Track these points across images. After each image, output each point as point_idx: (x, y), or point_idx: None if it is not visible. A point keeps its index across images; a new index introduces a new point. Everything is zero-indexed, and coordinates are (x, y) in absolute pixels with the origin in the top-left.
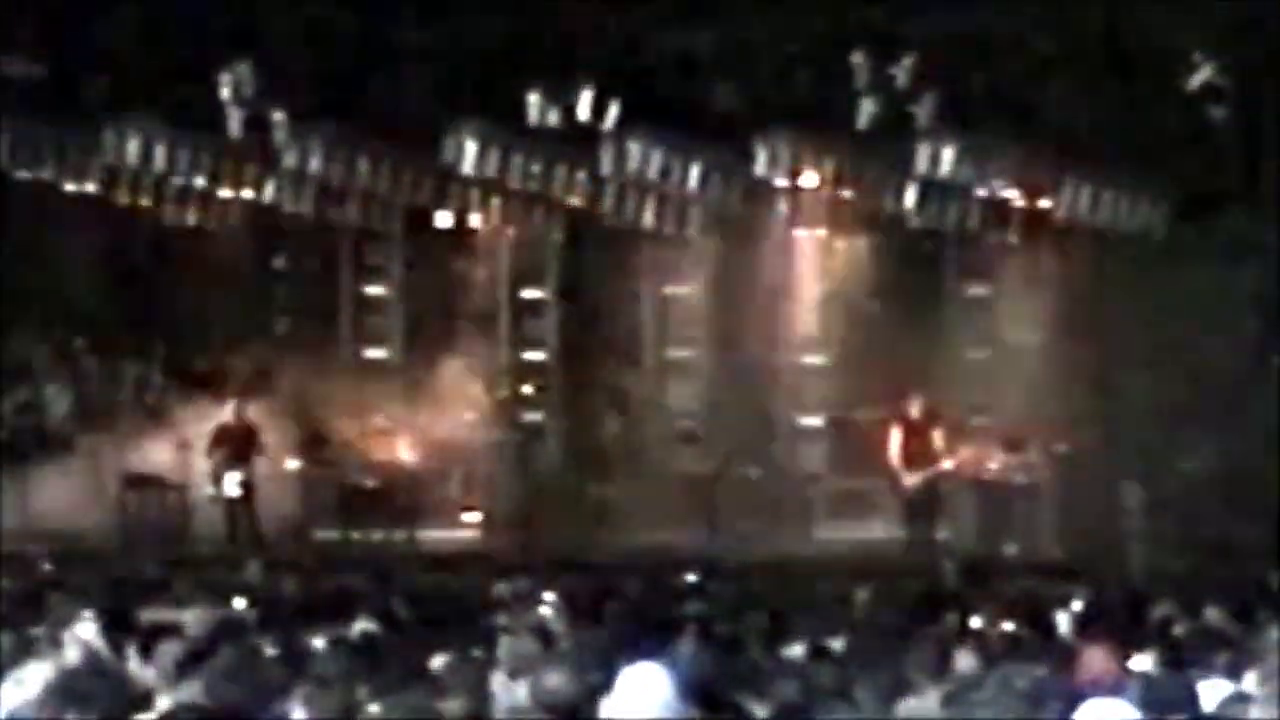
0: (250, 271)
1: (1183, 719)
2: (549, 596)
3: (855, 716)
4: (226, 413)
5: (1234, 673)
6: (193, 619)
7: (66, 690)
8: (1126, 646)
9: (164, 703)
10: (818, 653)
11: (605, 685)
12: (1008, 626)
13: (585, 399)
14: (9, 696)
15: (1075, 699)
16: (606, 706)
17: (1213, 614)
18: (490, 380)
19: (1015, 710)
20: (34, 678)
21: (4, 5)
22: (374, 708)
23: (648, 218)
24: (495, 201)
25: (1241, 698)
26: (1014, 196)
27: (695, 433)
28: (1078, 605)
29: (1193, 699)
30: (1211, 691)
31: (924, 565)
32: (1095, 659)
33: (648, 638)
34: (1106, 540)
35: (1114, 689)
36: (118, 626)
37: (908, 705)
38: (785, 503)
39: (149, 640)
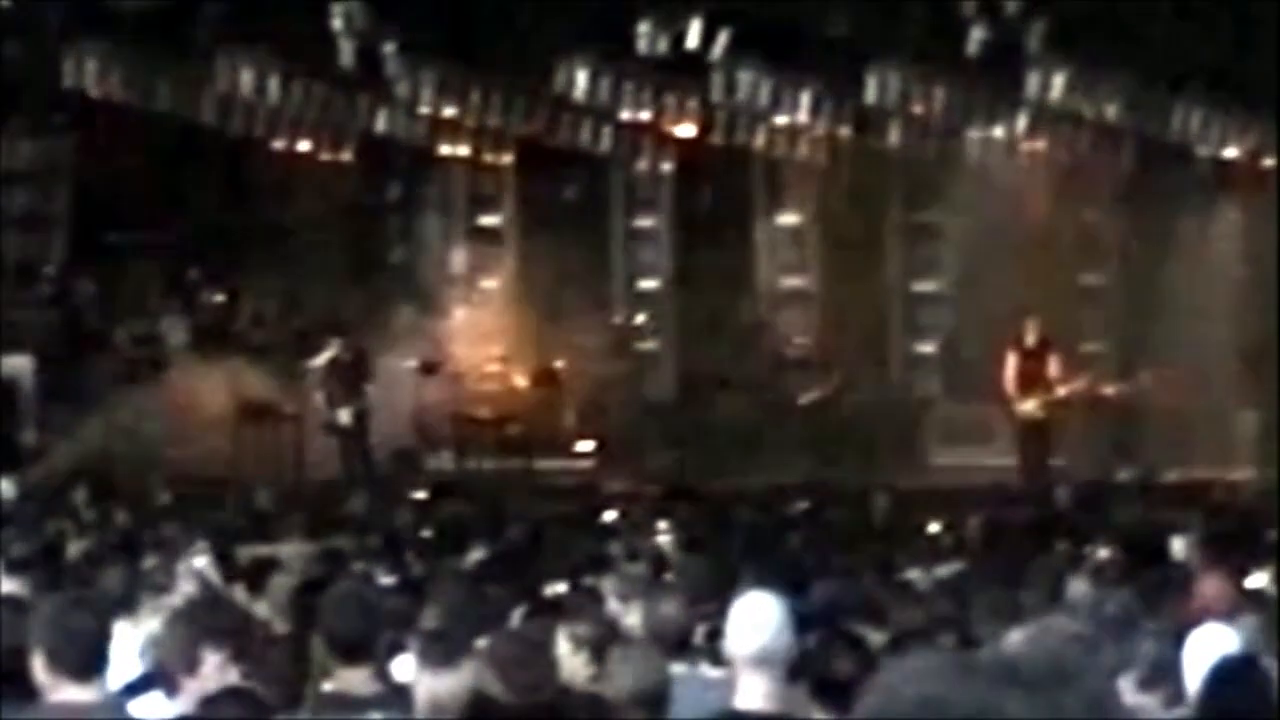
0: (364, 203)
1: None
2: (662, 525)
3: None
4: (339, 344)
5: None
6: (302, 552)
7: (188, 621)
8: (1242, 572)
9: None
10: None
11: (718, 614)
12: (1122, 553)
13: (698, 327)
14: (126, 633)
15: (1187, 626)
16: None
17: None
18: (603, 309)
19: (1107, 638)
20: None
21: None
22: (486, 638)
23: (758, 145)
24: (606, 130)
25: None
26: (1125, 123)
27: (809, 359)
28: (1193, 531)
29: None
30: None
31: (1038, 492)
32: (1210, 586)
33: (761, 567)
34: (1222, 466)
35: (1229, 615)
36: (231, 558)
37: (1011, 635)
38: (899, 429)
39: (261, 572)
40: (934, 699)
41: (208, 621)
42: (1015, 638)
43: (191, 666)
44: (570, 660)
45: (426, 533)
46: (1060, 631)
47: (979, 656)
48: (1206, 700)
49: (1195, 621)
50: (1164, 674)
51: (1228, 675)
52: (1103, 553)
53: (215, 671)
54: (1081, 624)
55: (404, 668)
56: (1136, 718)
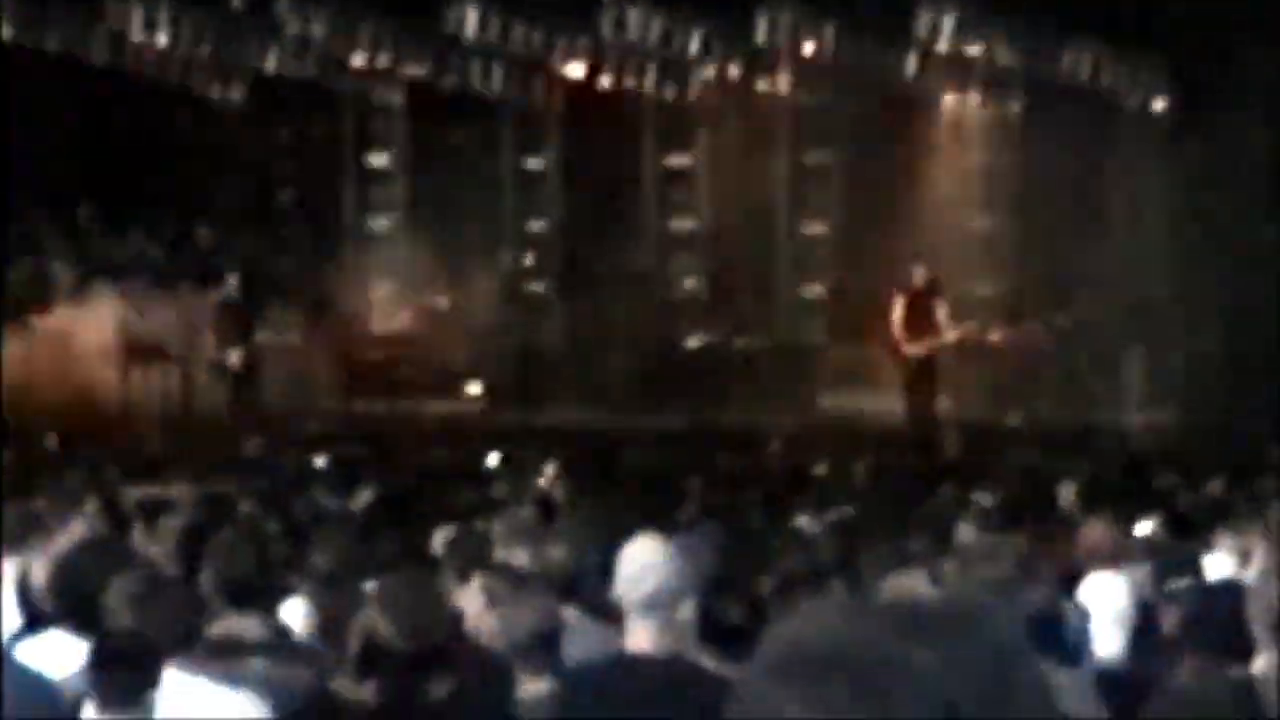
0: (254, 143)
1: (1182, 584)
2: (550, 469)
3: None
4: (230, 286)
5: (1237, 545)
6: (191, 494)
7: (74, 563)
8: (1129, 517)
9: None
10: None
11: (606, 558)
12: (1010, 499)
13: (587, 270)
14: (11, 573)
15: (1073, 572)
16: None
17: (1216, 485)
18: (492, 251)
19: (1003, 584)
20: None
21: None
22: (374, 581)
23: (647, 87)
24: (496, 71)
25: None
26: (1015, 64)
27: (697, 302)
28: (1081, 477)
29: (1196, 569)
30: (1215, 562)
31: (925, 437)
32: (1095, 531)
33: (649, 511)
34: (1108, 411)
35: (1114, 560)
36: (120, 501)
37: (899, 580)
38: (786, 373)
39: (151, 515)
40: (839, 646)
41: (101, 564)
42: (908, 583)
43: (88, 610)
44: (477, 610)
45: (314, 476)
46: (954, 578)
47: (882, 603)
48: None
49: (1080, 568)
50: (1055, 622)
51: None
52: (989, 498)
53: (110, 616)
54: (974, 571)
55: (292, 612)
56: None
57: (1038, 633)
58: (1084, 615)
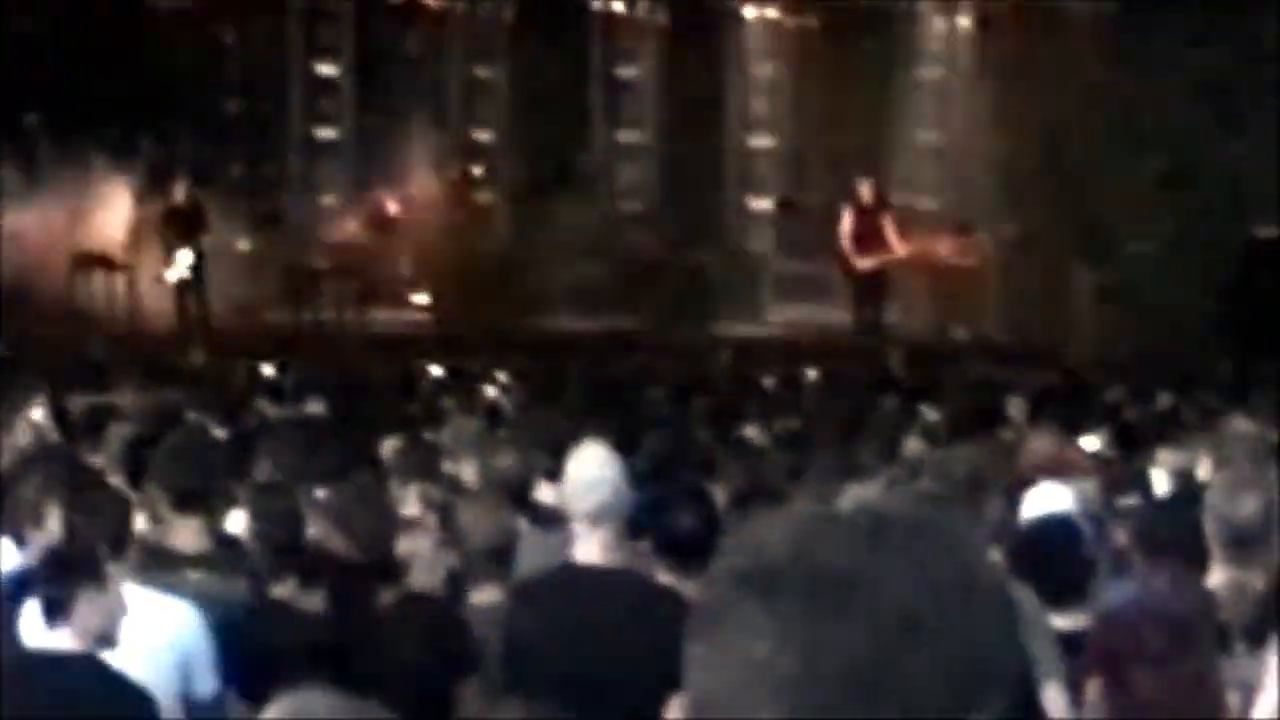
0: (201, 51)
1: (1134, 501)
2: (501, 378)
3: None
4: (176, 193)
5: (1187, 457)
6: (137, 402)
7: (31, 474)
8: (1075, 430)
9: (114, 483)
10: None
11: (554, 467)
12: (956, 411)
13: (534, 180)
14: None
15: (1021, 484)
16: (553, 489)
17: (1164, 398)
18: (440, 160)
19: (956, 495)
20: None
21: None
22: (322, 491)
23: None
24: None
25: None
26: None
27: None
28: (1027, 390)
29: (1145, 484)
30: (1161, 474)
31: (873, 349)
32: (1038, 443)
33: (597, 420)
34: (1056, 324)
35: (1060, 473)
36: (66, 409)
37: (853, 492)
38: (734, 285)
39: (97, 423)
40: (805, 553)
41: (50, 473)
42: (858, 493)
43: (37, 520)
44: (418, 520)
45: (261, 385)
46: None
47: (842, 513)
48: (1017, 556)
49: (1026, 481)
50: (1009, 533)
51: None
52: (936, 412)
53: (59, 524)
54: (929, 483)
55: (237, 521)
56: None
57: (997, 541)
58: (1053, 528)
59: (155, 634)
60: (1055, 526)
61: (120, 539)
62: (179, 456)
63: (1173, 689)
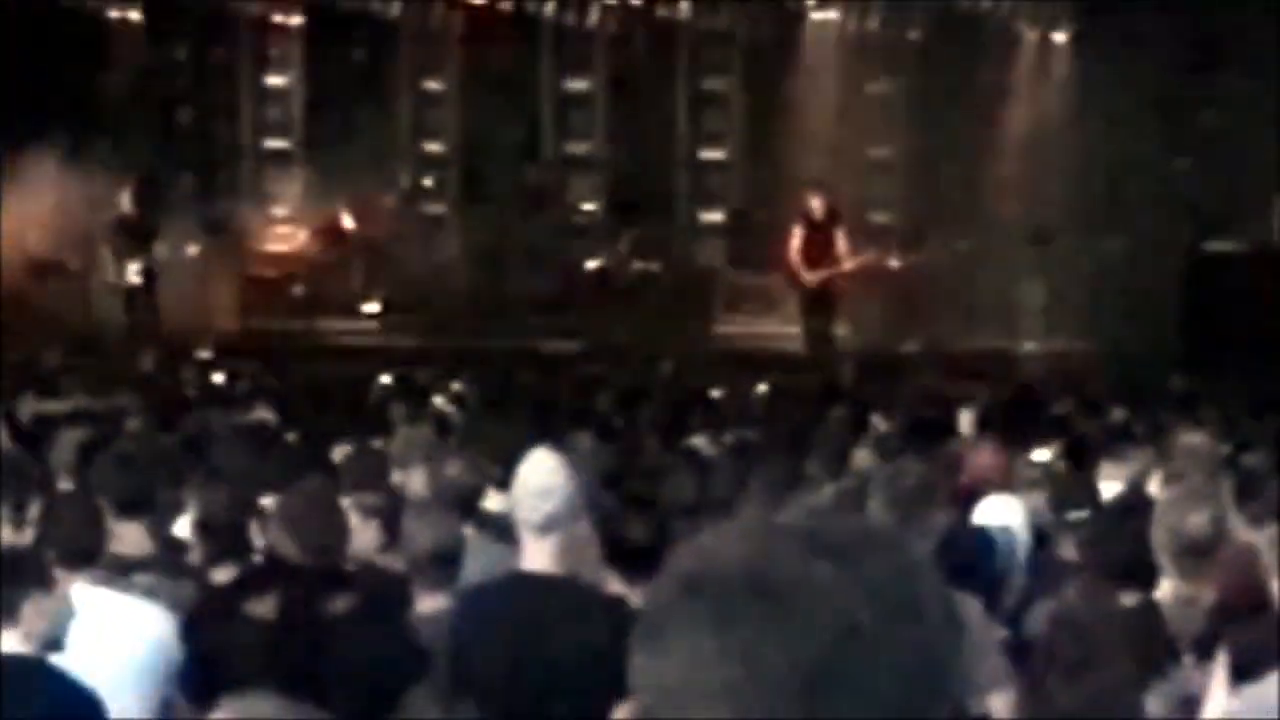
0: (151, 62)
1: (1083, 514)
2: (455, 387)
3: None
4: (126, 202)
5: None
6: (85, 409)
7: None
8: (1023, 443)
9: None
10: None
11: (503, 477)
12: (905, 423)
13: (485, 191)
14: None
15: (969, 497)
16: (501, 497)
17: (1115, 413)
18: (390, 172)
19: (904, 507)
20: None
21: None
22: (271, 498)
23: (548, 11)
24: None
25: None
26: None
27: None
28: (977, 403)
29: (1094, 497)
30: (1111, 487)
31: (822, 361)
32: (982, 455)
33: (546, 429)
34: (1008, 338)
35: (1002, 485)
36: (15, 415)
37: (800, 503)
38: (684, 297)
39: (47, 429)
40: (754, 565)
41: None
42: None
43: None
44: (359, 530)
45: (211, 392)
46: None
47: (790, 523)
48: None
49: (973, 493)
50: (958, 546)
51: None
52: (886, 424)
53: (10, 530)
54: (877, 495)
55: (186, 526)
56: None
57: (941, 555)
58: (986, 540)
59: (127, 638)
60: (969, 539)
61: (81, 546)
62: (121, 463)
63: (1088, 700)
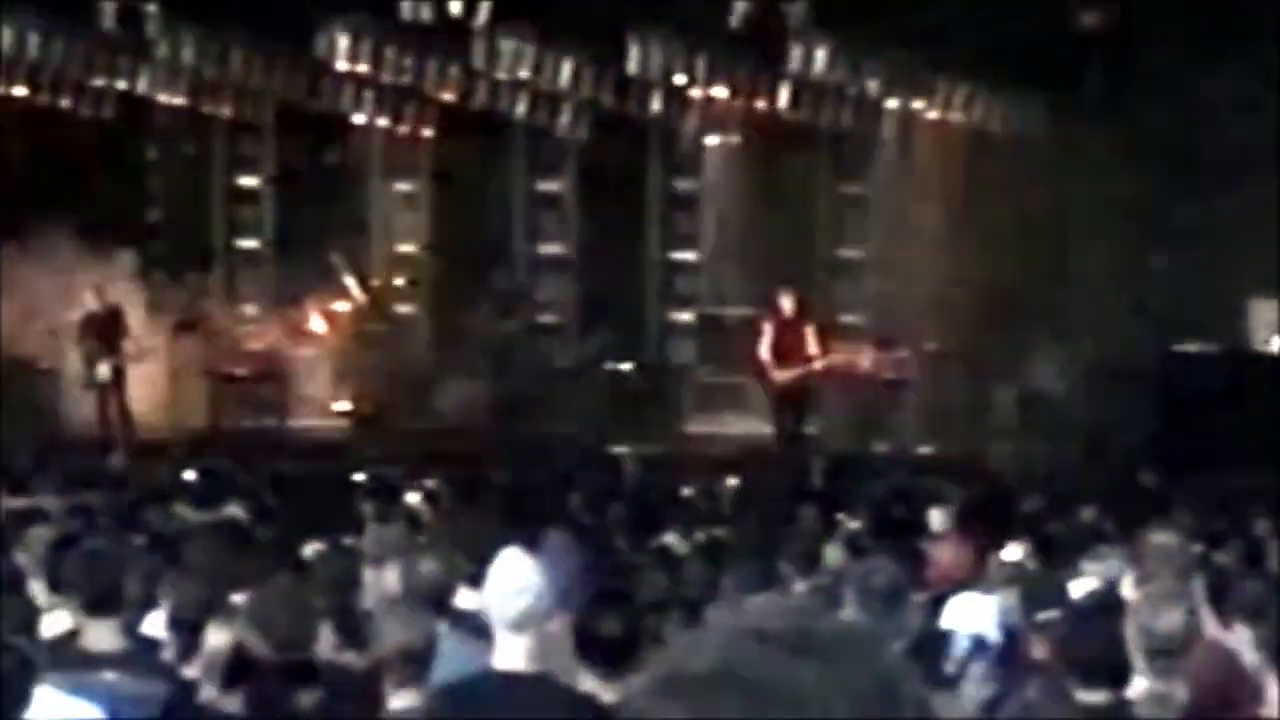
0: (124, 162)
1: (1052, 613)
2: (425, 484)
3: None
4: (99, 300)
5: (1108, 569)
6: (59, 505)
7: None
8: (994, 541)
9: (36, 588)
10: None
11: (475, 575)
12: (876, 521)
13: (457, 292)
14: None
15: (940, 595)
16: (474, 595)
17: (1086, 512)
18: (362, 272)
19: (877, 606)
20: None
21: None
22: (241, 595)
23: (519, 113)
24: (368, 95)
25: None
26: (887, 97)
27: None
28: (948, 502)
29: (1064, 597)
30: (1082, 587)
31: (793, 460)
32: (953, 554)
33: (518, 528)
34: (977, 437)
35: (973, 583)
36: None
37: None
38: (654, 396)
39: (18, 526)
40: (729, 663)
41: None
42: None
43: None
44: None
45: (182, 490)
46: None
47: (767, 624)
48: None
49: (944, 592)
50: (932, 644)
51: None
52: (856, 522)
53: None
54: (849, 594)
55: (155, 624)
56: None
57: (915, 655)
58: (961, 640)
59: None
60: (940, 641)
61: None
62: (92, 560)
63: None
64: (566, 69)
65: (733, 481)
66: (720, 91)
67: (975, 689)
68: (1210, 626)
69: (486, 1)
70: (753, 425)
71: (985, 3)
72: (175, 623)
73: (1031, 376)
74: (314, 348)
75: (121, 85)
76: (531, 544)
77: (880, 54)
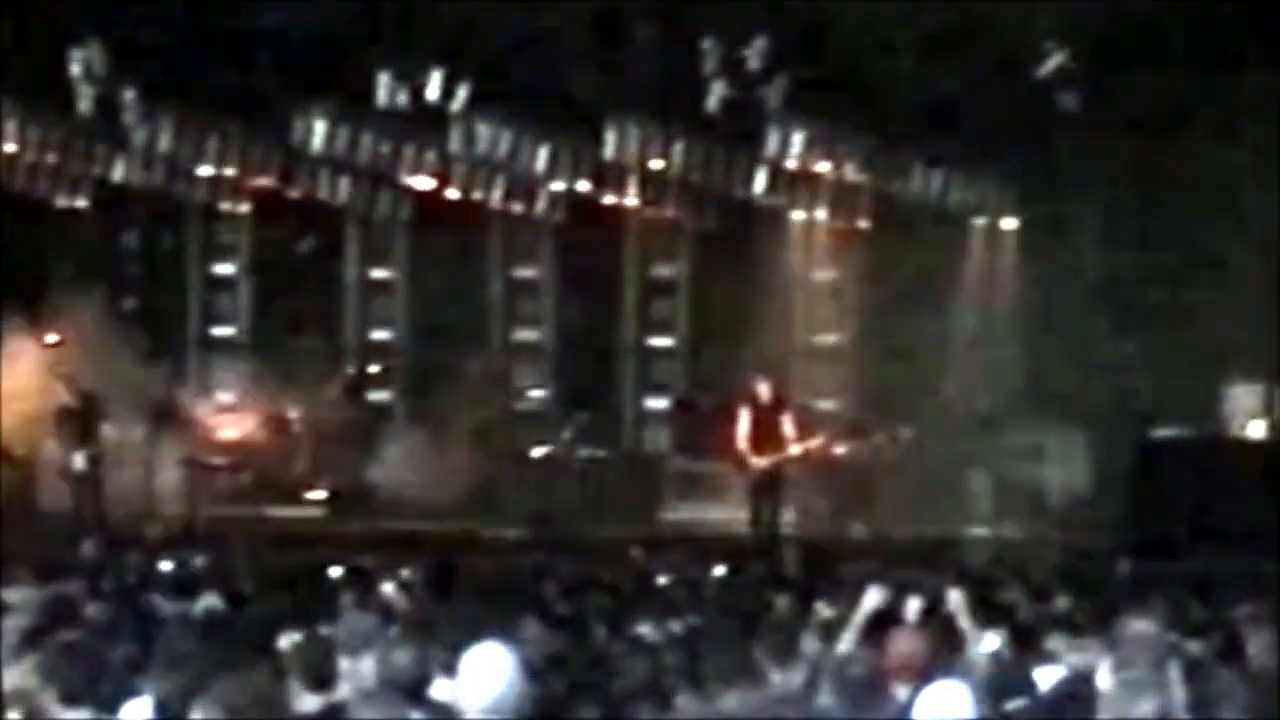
0: (100, 250)
1: (1020, 702)
2: (398, 574)
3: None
4: (74, 390)
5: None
6: (32, 595)
7: None
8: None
9: (9, 678)
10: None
11: (450, 664)
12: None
13: (432, 379)
14: None
15: (915, 685)
16: (450, 686)
17: (1061, 600)
18: (337, 359)
19: (854, 696)
20: None
21: None
22: (219, 685)
23: (495, 199)
24: (344, 181)
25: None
26: (862, 180)
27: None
28: (923, 589)
29: (1032, 687)
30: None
31: (770, 548)
32: (928, 643)
33: (493, 617)
34: (954, 525)
35: (948, 672)
36: None
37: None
38: (631, 484)
39: None
40: None
41: None
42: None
43: None
44: None
45: (157, 579)
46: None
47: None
48: None
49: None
50: None
51: None
52: (832, 610)
53: None
54: (826, 684)
55: (133, 714)
56: None
57: None
58: None
59: None
60: None
61: None
62: (68, 651)
63: None
64: (543, 154)
65: (709, 570)
66: (696, 176)
67: None
68: (1185, 716)
69: (464, 86)
70: (729, 512)
71: (955, 85)
72: (161, 710)
73: (1011, 462)
74: (289, 436)
75: (98, 172)
76: (506, 633)
77: (858, 137)
